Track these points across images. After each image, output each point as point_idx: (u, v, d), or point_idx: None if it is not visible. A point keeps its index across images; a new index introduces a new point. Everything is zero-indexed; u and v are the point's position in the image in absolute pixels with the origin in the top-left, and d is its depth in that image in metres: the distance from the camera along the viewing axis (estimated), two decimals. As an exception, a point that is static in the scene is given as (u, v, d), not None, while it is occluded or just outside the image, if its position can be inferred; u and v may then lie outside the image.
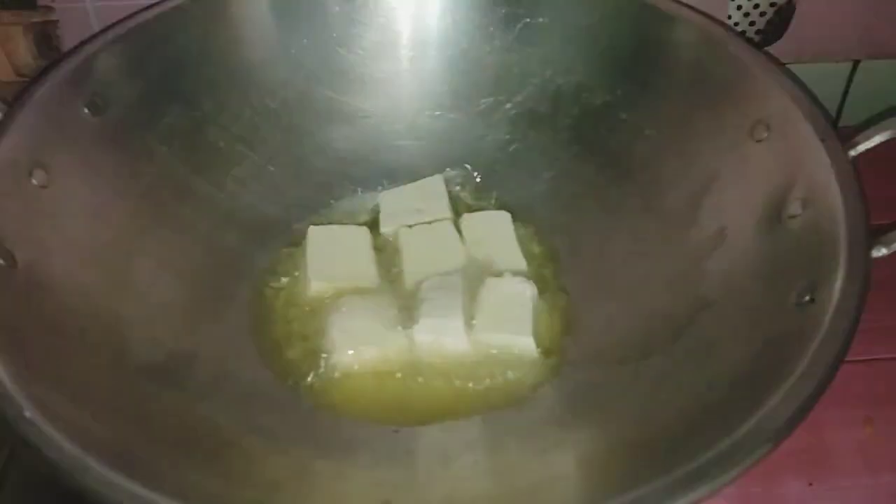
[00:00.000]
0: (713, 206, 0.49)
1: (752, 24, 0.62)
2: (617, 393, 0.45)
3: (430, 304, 0.50)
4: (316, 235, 0.54)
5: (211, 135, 0.55)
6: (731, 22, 0.62)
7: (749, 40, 0.58)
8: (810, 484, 0.46)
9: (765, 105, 0.48)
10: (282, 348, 0.50)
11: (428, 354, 0.49)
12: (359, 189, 0.59)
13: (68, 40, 0.59)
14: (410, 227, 0.55)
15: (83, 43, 0.50)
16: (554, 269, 0.54)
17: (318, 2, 0.57)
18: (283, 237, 0.55)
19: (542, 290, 0.52)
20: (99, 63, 0.50)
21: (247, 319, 0.51)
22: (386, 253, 0.55)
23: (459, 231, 0.55)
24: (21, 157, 0.45)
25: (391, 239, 0.56)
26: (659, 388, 0.44)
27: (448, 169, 0.59)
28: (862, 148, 0.44)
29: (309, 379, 0.48)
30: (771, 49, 0.63)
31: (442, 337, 0.49)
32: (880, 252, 0.40)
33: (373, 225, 0.56)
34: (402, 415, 0.46)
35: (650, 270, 0.51)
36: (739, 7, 0.61)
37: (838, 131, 0.45)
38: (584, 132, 0.57)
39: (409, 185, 0.58)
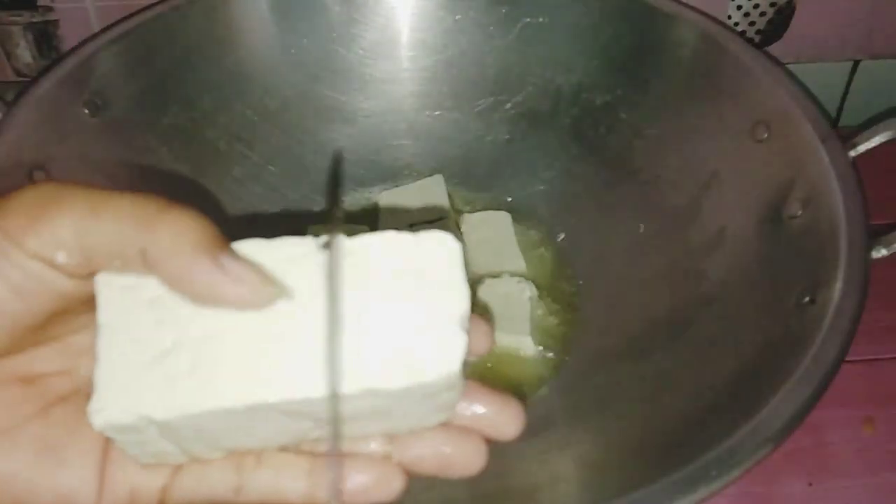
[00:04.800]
0: (713, 206, 0.49)
1: (752, 24, 0.62)
2: (617, 393, 0.45)
3: (430, 304, 0.50)
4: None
5: (211, 135, 0.55)
6: (731, 22, 0.62)
7: (749, 40, 0.58)
8: (810, 484, 0.46)
9: (765, 105, 0.48)
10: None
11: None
12: (359, 189, 0.59)
13: (68, 40, 0.59)
14: (411, 226, 0.55)
15: (83, 43, 0.50)
16: (553, 270, 0.54)
17: (318, 2, 0.57)
18: (283, 237, 0.55)
19: (541, 290, 0.52)
20: (99, 63, 0.50)
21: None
22: (386, 253, 0.55)
23: (459, 231, 0.55)
24: (21, 157, 0.45)
25: (391, 239, 0.56)
26: (659, 388, 0.44)
27: (448, 169, 0.59)
28: (862, 148, 0.44)
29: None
30: (771, 49, 0.63)
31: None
32: (880, 253, 0.40)
33: (372, 225, 0.56)
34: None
35: (650, 270, 0.51)
36: (739, 7, 0.61)
37: (838, 131, 0.45)
38: (584, 132, 0.57)
39: (409, 185, 0.58)
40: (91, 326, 0.23)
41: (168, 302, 0.23)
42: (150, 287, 0.23)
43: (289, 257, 0.24)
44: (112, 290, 0.23)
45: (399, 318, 0.23)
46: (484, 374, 0.48)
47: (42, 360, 0.24)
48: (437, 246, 0.24)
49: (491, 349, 0.25)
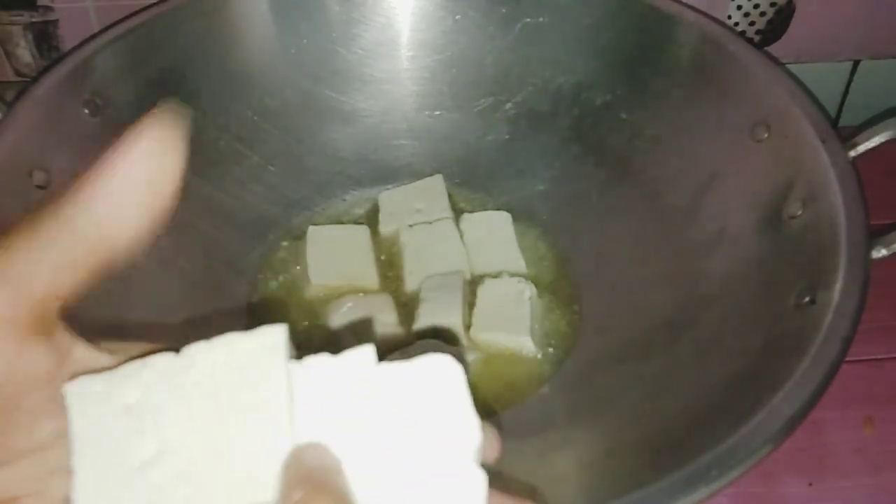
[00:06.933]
0: (713, 206, 0.49)
1: (752, 24, 0.62)
2: (617, 393, 0.45)
3: (430, 304, 0.50)
4: (315, 235, 0.54)
5: (211, 135, 0.55)
6: (731, 22, 0.62)
7: (749, 40, 0.58)
8: (810, 484, 0.46)
9: (765, 105, 0.48)
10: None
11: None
12: (359, 189, 0.59)
13: (68, 40, 0.59)
14: (411, 226, 0.56)
15: (83, 43, 0.50)
16: (553, 270, 0.54)
17: (318, 2, 0.57)
18: (283, 237, 0.56)
19: (541, 290, 0.52)
20: (99, 63, 0.50)
21: (246, 320, 0.51)
22: (386, 253, 0.55)
23: (459, 231, 0.55)
24: (21, 157, 0.45)
25: (391, 239, 0.56)
26: (659, 388, 0.44)
27: (448, 169, 0.59)
28: (862, 148, 0.44)
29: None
30: (771, 49, 0.63)
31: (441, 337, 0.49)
32: (880, 253, 0.40)
33: (372, 225, 0.56)
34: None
35: (650, 270, 0.51)
36: (739, 7, 0.61)
37: (838, 131, 0.45)
38: (584, 132, 0.57)
39: (409, 185, 0.58)
40: (60, 441, 0.21)
41: (148, 406, 0.21)
42: (127, 392, 0.21)
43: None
44: (84, 399, 0.21)
45: (404, 451, 0.21)
46: (484, 374, 0.48)
47: (8, 481, 0.21)
48: (439, 371, 0.22)
49: (500, 455, 0.23)
